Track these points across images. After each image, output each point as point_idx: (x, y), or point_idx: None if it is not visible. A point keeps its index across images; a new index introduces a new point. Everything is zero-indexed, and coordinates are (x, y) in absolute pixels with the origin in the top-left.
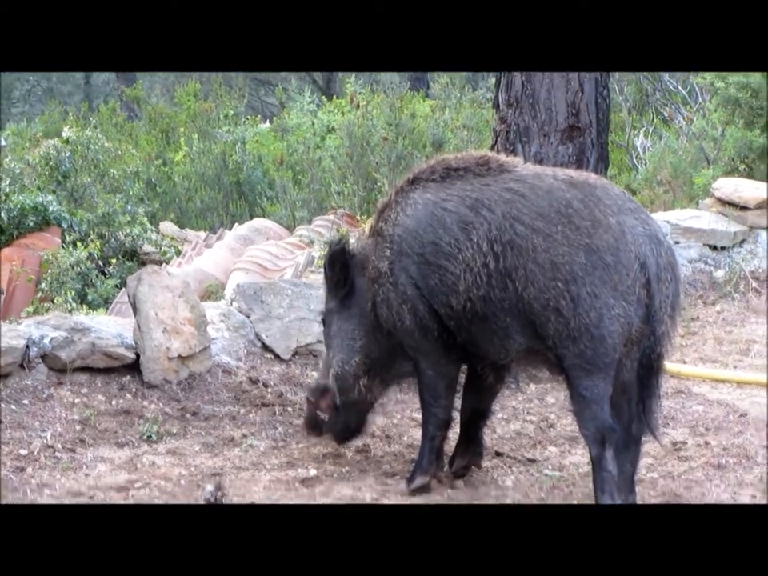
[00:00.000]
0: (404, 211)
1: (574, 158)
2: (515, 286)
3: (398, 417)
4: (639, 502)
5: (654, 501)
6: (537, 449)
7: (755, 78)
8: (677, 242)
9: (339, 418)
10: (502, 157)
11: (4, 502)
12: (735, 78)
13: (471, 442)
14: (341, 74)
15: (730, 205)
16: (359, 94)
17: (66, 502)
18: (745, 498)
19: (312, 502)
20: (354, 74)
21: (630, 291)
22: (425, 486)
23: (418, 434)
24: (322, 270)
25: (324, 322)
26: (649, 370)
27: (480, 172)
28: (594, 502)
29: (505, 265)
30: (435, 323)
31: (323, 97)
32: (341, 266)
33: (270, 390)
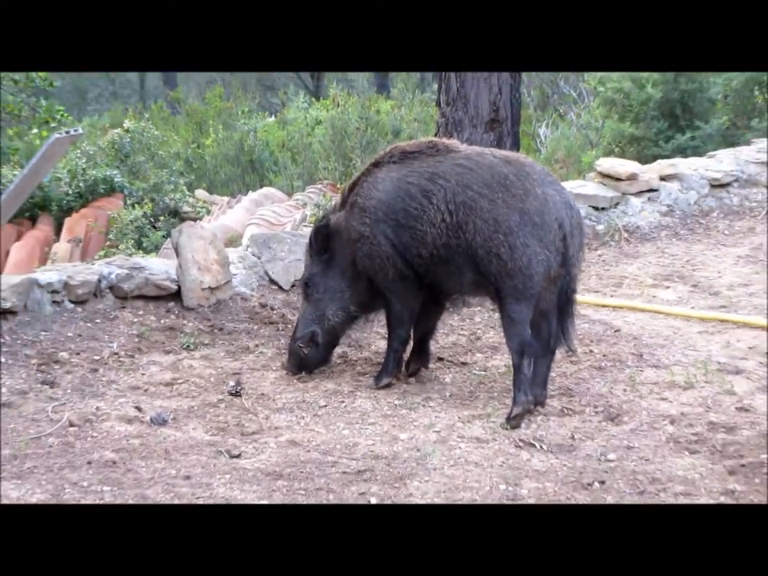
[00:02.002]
0: (375, 187)
1: (495, 143)
2: (465, 236)
3: (368, 331)
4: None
5: (553, 393)
6: (468, 355)
7: (627, 84)
8: None
9: (319, 353)
10: (447, 140)
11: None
12: (612, 84)
13: (422, 351)
14: (326, 80)
15: (608, 177)
16: (339, 96)
17: (128, 394)
18: (618, 392)
19: (306, 394)
20: (335, 81)
21: (551, 243)
22: (389, 384)
23: (383, 344)
24: (308, 244)
25: (307, 284)
26: (566, 300)
27: (431, 153)
28: (511, 395)
29: (457, 219)
30: (409, 270)
31: (313, 98)
32: (323, 238)
33: (275, 312)
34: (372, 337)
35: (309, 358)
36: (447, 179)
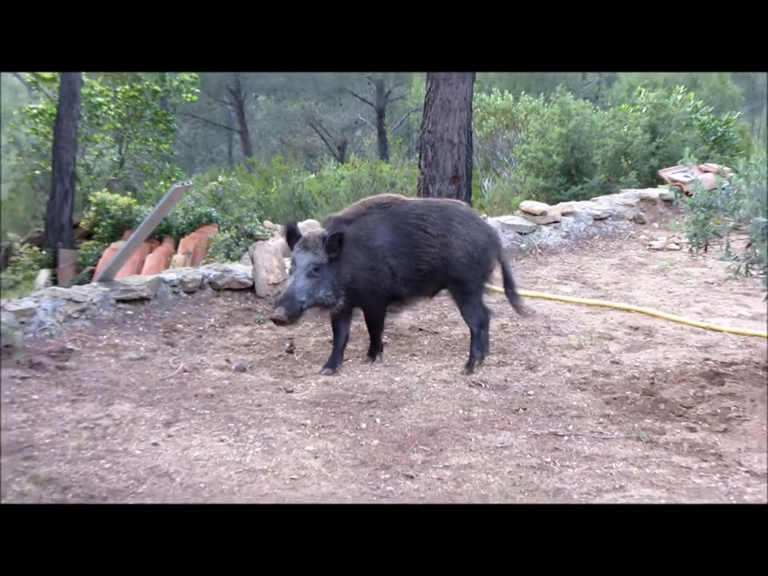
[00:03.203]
0: (376, 231)
1: (455, 192)
2: (450, 251)
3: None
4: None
5: (493, 351)
6: (438, 326)
7: (540, 153)
8: (503, 231)
9: (301, 315)
10: (399, 195)
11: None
12: (530, 154)
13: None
14: (348, 150)
15: (528, 213)
16: (356, 161)
17: (221, 352)
18: (535, 351)
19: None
20: (353, 152)
21: (497, 255)
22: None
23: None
24: (320, 241)
25: (315, 268)
26: (512, 285)
27: (398, 203)
28: (466, 353)
29: (446, 241)
30: (395, 289)
31: (339, 162)
32: (338, 242)
33: None
34: (356, 318)
35: (298, 316)
36: (431, 215)
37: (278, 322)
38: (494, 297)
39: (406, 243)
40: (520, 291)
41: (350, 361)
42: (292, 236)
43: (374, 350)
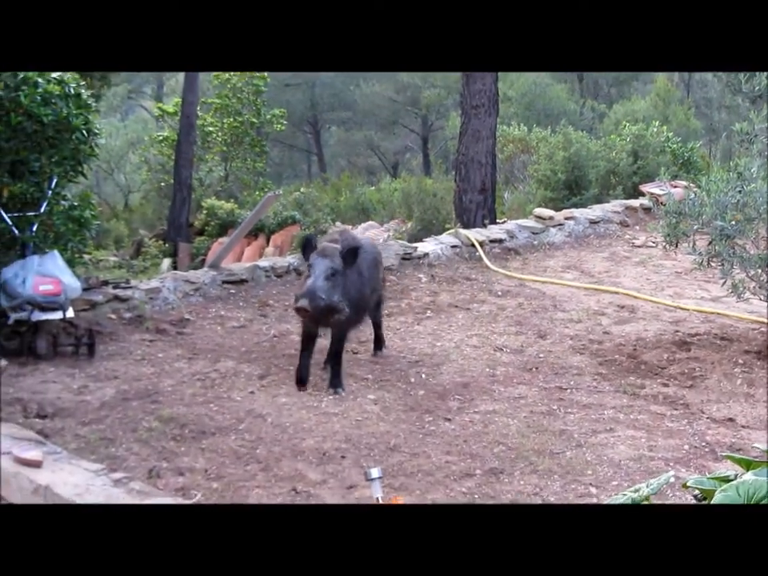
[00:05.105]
0: (363, 260)
1: (483, 201)
2: (378, 276)
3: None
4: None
5: (511, 324)
6: (469, 304)
7: (548, 172)
8: (521, 231)
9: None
10: (347, 229)
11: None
12: (541, 171)
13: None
14: (399, 168)
15: (539, 218)
16: (405, 177)
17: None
18: (544, 323)
19: (389, 324)
20: (404, 171)
21: None
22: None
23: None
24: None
25: (333, 273)
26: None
27: (354, 236)
28: (490, 326)
29: (376, 272)
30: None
31: (393, 178)
32: (353, 255)
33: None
34: (407, 297)
35: (318, 310)
36: (375, 251)
37: (300, 311)
38: (511, 281)
39: (370, 274)
40: (531, 277)
41: (400, 331)
42: (308, 247)
43: (336, 378)
